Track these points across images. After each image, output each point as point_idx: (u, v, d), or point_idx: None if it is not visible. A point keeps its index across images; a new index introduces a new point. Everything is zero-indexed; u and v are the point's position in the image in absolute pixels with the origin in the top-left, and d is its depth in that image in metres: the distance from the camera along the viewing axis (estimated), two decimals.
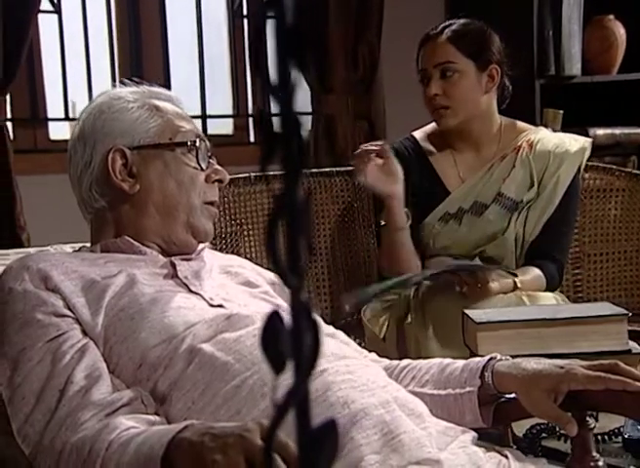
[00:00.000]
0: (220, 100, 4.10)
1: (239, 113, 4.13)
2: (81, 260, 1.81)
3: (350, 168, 3.16)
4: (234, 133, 4.14)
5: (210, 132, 4.03)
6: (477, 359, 1.86)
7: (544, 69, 4.07)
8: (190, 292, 1.81)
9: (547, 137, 3.01)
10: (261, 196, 3.07)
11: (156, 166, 1.89)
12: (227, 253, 2.96)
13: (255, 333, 1.68)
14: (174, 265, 1.85)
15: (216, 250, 2.91)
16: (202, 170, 1.91)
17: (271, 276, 2.05)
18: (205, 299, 1.79)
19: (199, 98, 4.01)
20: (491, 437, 1.92)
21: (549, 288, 2.83)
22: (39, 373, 1.64)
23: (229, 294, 1.85)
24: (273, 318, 0.68)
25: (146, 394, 1.63)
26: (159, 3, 3.91)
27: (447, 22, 2.98)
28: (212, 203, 1.94)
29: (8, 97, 3.57)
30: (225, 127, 4.12)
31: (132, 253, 1.86)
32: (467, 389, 1.80)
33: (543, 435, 1.99)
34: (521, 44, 4.05)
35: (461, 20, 2.99)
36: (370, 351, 2.59)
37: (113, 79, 3.85)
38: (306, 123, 4.10)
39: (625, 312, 2.23)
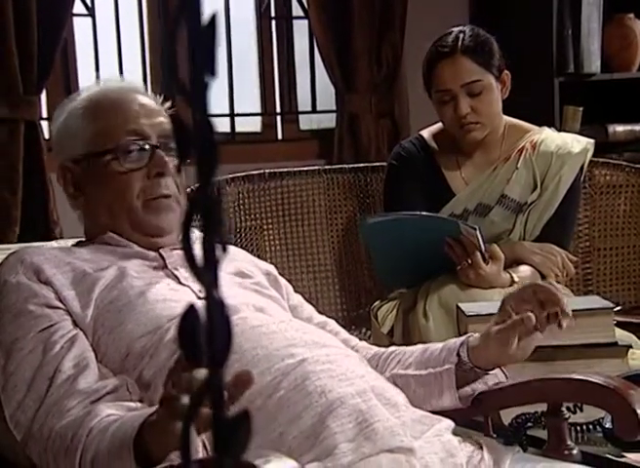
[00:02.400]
0: (249, 99, 4.14)
1: (267, 111, 4.17)
2: (74, 254, 1.86)
3: (364, 164, 3.20)
4: (262, 130, 4.17)
5: (238, 129, 4.07)
6: (455, 339, 1.90)
7: (564, 67, 4.06)
8: (180, 283, 1.84)
9: (550, 138, 2.98)
10: (275, 192, 3.10)
11: (93, 176, 1.90)
12: (242, 246, 2.99)
13: (238, 323, 1.70)
14: (163, 257, 1.89)
15: (232, 244, 2.96)
16: (136, 170, 1.88)
17: (267, 267, 2.08)
18: (194, 292, 1.82)
19: (227, 97, 4.05)
20: (474, 425, 1.95)
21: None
22: (30, 362, 1.68)
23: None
24: (190, 312, 0.70)
25: (132, 382, 1.67)
26: None
27: (453, 34, 2.89)
28: (160, 197, 1.89)
29: (43, 97, 3.64)
30: (254, 124, 4.16)
31: (120, 247, 1.89)
32: (445, 366, 1.84)
33: (529, 424, 2.00)
34: (540, 43, 4.06)
35: (467, 30, 2.90)
36: (377, 344, 2.62)
37: (145, 79, 3.90)
38: (328, 120, 4.14)
39: (612, 306, 2.25)
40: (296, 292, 2.12)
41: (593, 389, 1.72)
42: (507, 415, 2.04)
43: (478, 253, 2.64)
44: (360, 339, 2.93)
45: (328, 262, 3.17)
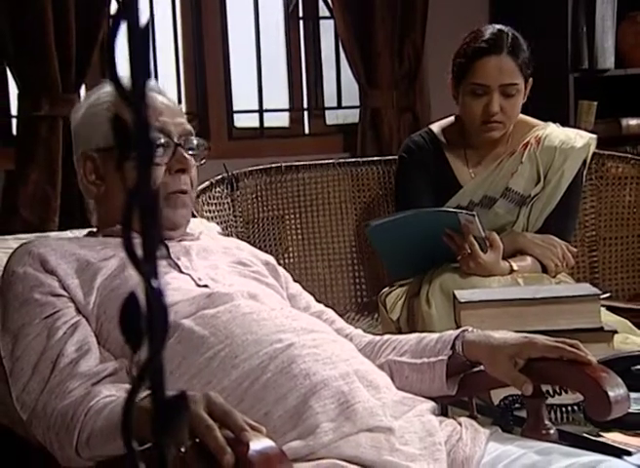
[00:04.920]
0: (277, 96, 4.16)
1: (294, 107, 4.19)
2: (80, 245, 1.88)
3: (377, 158, 3.21)
4: (290, 125, 4.18)
5: (267, 124, 4.09)
6: (450, 332, 1.90)
7: (578, 63, 4.03)
8: (181, 272, 1.87)
9: (555, 133, 2.98)
10: (292, 184, 3.12)
11: (114, 167, 1.89)
12: (259, 236, 3.02)
13: (231, 310, 1.73)
14: (167, 247, 1.91)
15: (248, 234, 2.99)
16: (157, 164, 1.88)
17: (266, 257, 2.10)
18: (193, 279, 1.84)
19: (257, 94, 4.07)
20: (462, 405, 1.96)
21: (550, 272, 2.81)
22: (35, 347, 1.71)
23: (218, 274, 1.89)
24: (131, 299, 0.72)
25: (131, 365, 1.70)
26: (220, 7, 3.97)
27: (495, 31, 2.88)
28: (178, 192, 1.91)
29: (83, 94, 3.68)
30: (282, 120, 4.17)
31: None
32: (439, 358, 1.84)
33: (516, 405, 2.01)
34: (556, 41, 4.04)
35: (509, 32, 2.89)
36: (383, 330, 2.64)
37: (178, 77, 3.93)
38: (353, 116, 4.14)
39: (598, 292, 2.24)
40: (295, 280, 2.14)
41: (568, 372, 1.73)
42: (496, 397, 2.05)
43: (476, 243, 2.64)
44: (371, 326, 2.98)
45: (342, 251, 3.19)
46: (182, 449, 1.36)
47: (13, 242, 2.08)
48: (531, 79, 2.93)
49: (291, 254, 3.09)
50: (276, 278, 2.04)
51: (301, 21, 4.19)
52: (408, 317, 2.73)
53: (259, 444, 1.35)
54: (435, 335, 1.91)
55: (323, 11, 4.16)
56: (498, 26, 2.91)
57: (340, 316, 2.96)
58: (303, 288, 2.13)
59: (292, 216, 3.11)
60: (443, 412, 1.99)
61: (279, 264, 2.15)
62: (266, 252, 2.91)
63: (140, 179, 0.67)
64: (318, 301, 2.11)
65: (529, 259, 2.80)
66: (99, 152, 1.92)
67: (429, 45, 4.07)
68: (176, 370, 1.67)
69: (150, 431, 0.72)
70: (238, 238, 2.83)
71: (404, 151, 3.05)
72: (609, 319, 2.56)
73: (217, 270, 1.92)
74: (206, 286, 1.83)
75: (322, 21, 4.19)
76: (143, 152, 0.67)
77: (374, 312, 3.07)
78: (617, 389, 1.68)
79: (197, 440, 1.35)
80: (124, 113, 0.70)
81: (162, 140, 1.89)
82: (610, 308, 2.78)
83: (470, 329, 1.87)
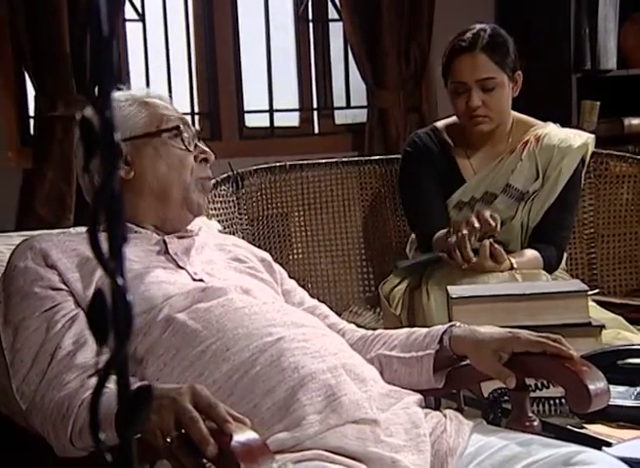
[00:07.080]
0: (287, 96, 4.17)
1: (304, 107, 4.20)
2: (82, 240, 1.89)
3: (379, 157, 3.22)
4: (300, 125, 4.20)
5: (277, 124, 4.11)
6: (439, 326, 1.91)
7: (581, 64, 4.04)
8: (178, 267, 1.89)
9: (554, 133, 2.99)
10: (296, 183, 3.13)
11: (147, 152, 1.93)
12: (264, 234, 3.04)
13: (224, 304, 1.75)
14: (165, 242, 1.93)
15: (253, 232, 3.00)
16: (189, 151, 1.96)
17: (263, 254, 2.12)
18: (189, 274, 1.87)
19: (267, 94, 4.08)
20: (452, 397, 1.98)
21: (547, 267, 2.82)
22: (35, 340, 1.74)
23: (214, 270, 1.92)
24: (98, 295, 0.73)
25: None
26: (231, 10, 3.99)
27: (474, 31, 2.91)
28: (206, 178, 1.99)
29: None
30: (292, 119, 4.19)
31: (129, 234, 1.94)
32: (427, 352, 1.86)
33: (505, 398, 2.01)
34: (560, 42, 4.04)
35: (488, 29, 2.92)
36: (385, 324, 2.65)
37: (190, 78, 3.96)
38: (362, 115, 4.15)
39: (586, 289, 2.25)
40: (291, 277, 2.16)
41: (550, 365, 1.74)
42: (487, 390, 2.06)
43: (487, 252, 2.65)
44: (374, 320, 2.99)
45: (346, 248, 3.21)
46: (168, 440, 1.38)
47: (16, 238, 2.10)
48: (519, 73, 2.93)
49: (295, 251, 3.11)
50: (271, 274, 2.05)
51: (311, 24, 4.20)
52: (408, 309, 2.74)
53: (242, 435, 1.37)
54: (424, 330, 1.93)
55: (332, 13, 4.18)
56: (479, 26, 2.95)
57: (344, 311, 3.00)
58: (307, 284, 2.14)
59: (296, 214, 3.13)
60: (436, 405, 2.00)
61: (284, 261, 2.17)
62: (271, 249, 2.95)
63: (104, 179, 0.69)
64: (312, 296, 2.13)
65: (527, 255, 2.82)
66: (127, 141, 1.92)
67: (435, 46, 4.07)
68: (169, 362, 1.69)
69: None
70: (243, 235, 2.86)
71: (409, 146, 3.06)
72: (603, 316, 2.57)
73: (213, 265, 1.94)
74: (201, 280, 1.85)
75: (331, 24, 4.21)
76: (108, 153, 0.69)
77: (376, 306, 3.08)
78: (597, 382, 1.69)
79: (183, 431, 1.37)
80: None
81: (189, 129, 1.97)
82: (605, 304, 2.78)
83: (458, 324, 1.89)
